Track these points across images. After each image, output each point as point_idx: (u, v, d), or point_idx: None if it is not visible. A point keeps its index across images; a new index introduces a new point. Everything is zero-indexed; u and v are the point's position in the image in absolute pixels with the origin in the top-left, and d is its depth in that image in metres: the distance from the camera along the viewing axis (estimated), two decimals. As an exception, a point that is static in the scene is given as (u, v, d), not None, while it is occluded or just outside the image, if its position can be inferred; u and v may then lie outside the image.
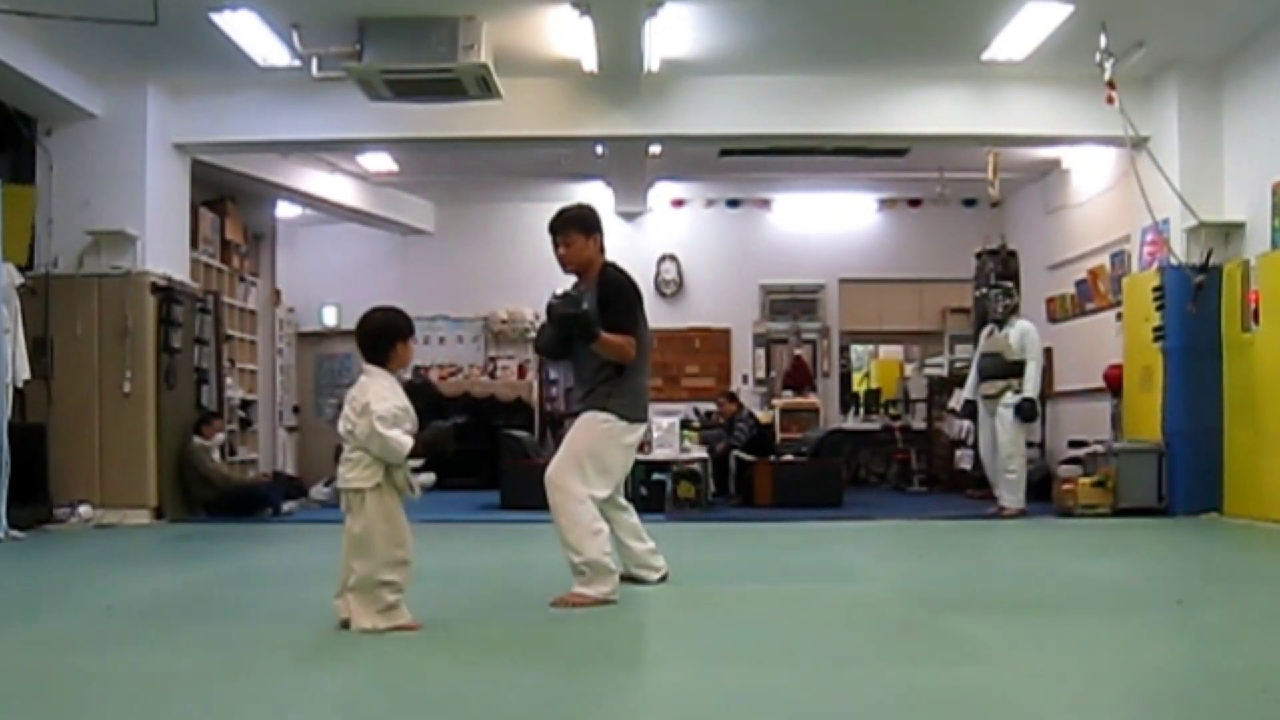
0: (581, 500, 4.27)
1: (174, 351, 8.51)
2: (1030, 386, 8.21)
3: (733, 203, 12.95)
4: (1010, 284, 8.98)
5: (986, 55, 7.94)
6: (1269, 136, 7.57)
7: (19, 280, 7.41)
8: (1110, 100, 7.46)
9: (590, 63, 7.90)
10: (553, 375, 12.88)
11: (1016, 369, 8.26)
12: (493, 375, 12.63)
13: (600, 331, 4.30)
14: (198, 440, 8.70)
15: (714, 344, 12.88)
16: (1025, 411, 8.26)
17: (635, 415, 4.43)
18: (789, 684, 3.10)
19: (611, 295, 4.45)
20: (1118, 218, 9.41)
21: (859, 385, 13.94)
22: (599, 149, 10.12)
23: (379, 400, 3.69)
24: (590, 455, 4.34)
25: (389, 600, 3.67)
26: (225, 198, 10.67)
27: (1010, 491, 8.23)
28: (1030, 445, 8.82)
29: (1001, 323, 8.46)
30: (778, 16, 7.47)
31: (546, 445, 11.38)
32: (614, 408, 4.37)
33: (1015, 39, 7.65)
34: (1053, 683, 3.11)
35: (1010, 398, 8.23)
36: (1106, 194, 9.99)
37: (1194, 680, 3.20)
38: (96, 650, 3.68)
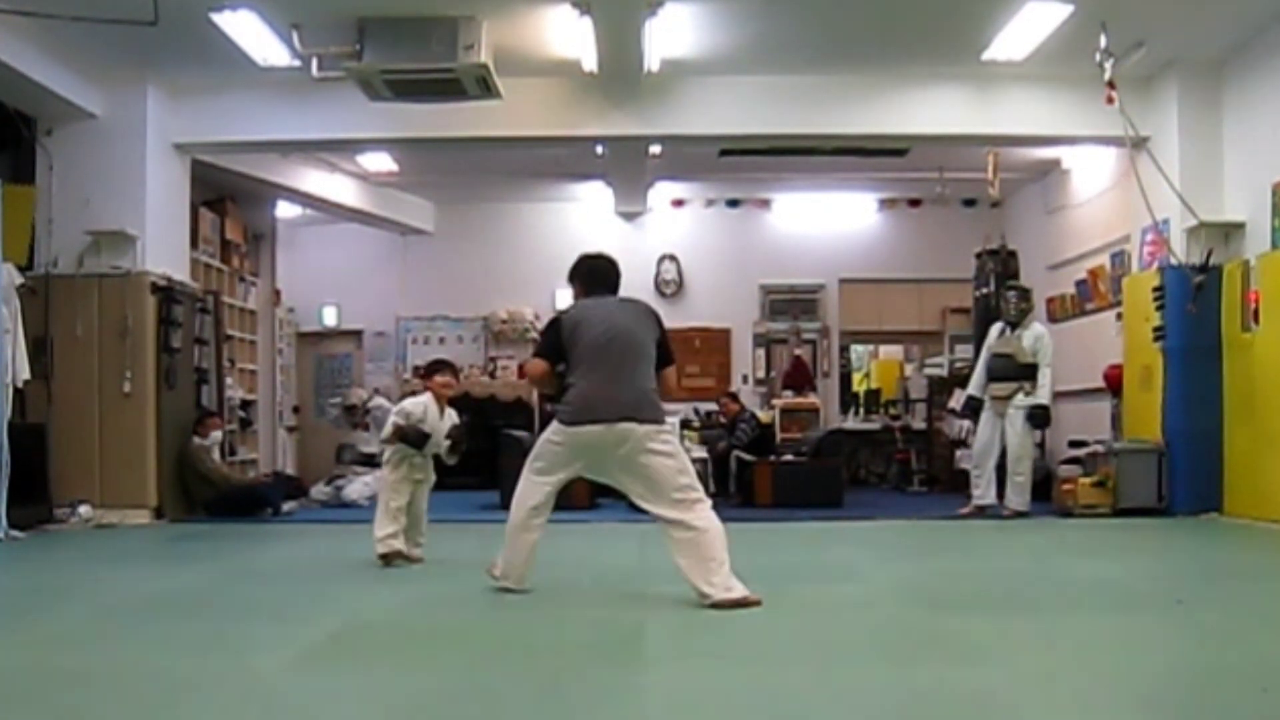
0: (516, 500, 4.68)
1: (174, 351, 8.51)
2: (1044, 393, 8.20)
3: (733, 203, 12.95)
4: (1027, 286, 8.97)
5: (986, 55, 7.94)
6: (1269, 136, 7.58)
7: (19, 280, 7.41)
8: (1110, 100, 7.46)
9: (590, 63, 7.90)
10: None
11: (1028, 372, 8.24)
12: (493, 375, 12.63)
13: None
14: (197, 440, 8.69)
15: (714, 344, 12.87)
16: (1039, 419, 8.27)
17: (567, 419, 4.53)
18: (789, 684, 3.10)
19: None
20: (1118, 218, 9.41)
21: (859, 385, 13.95)
22: (599, 149, 10.12)
23: (407, 403, 5.83)
24: (532, 456, 4.72)
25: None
26: (225, 198, 10.67)
27: (1017, 493, 8.22)
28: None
29: (1015, 324, 8.44)
30: (778, 16, 7.47)
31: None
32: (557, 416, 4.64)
33: (1015, 39, 7.65)
34: (1053, 683, 3.11)
35: (1021, 399, 8.22)
36: (1106, 194, 9.99)
37: (1194, 680, 3.20)
38: (96, 650, 3.68)
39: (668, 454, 4.44)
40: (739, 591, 4.28)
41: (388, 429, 5.70)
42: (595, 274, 4.86)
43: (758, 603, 4.25)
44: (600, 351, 4.52)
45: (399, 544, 5.60)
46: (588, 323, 4.60)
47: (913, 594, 4.77)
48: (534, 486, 4.61)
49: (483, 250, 12.70)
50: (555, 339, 4.65)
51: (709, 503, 4.49)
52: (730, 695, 3.00)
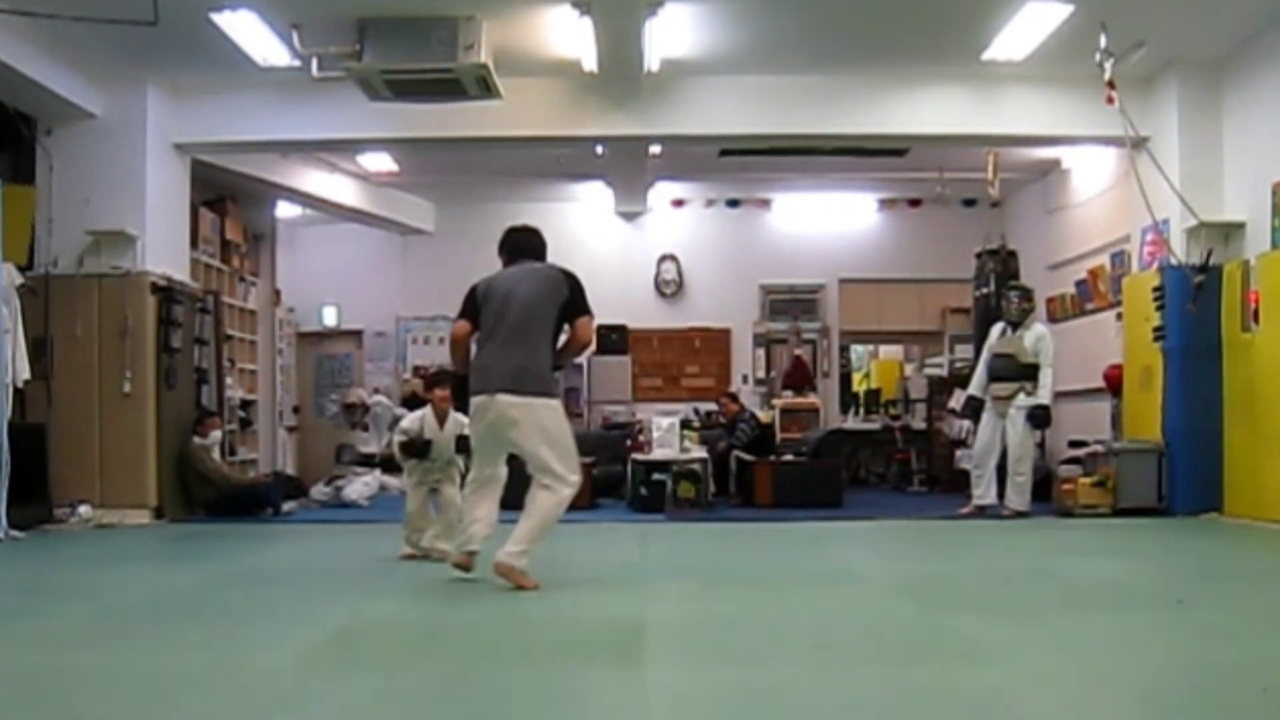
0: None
1: (174, 351, 8.50)
2: (1045, 393, 8.19)
3: (733, 203, 12.95)
4: (1029, 286, 8.98)
5: (986, 55, 7.94)
6: (1269, 136, 7.57)
7: (19, 280, 7.40)
8: (1110, 100, 7.46)
9: (590, 63, 7.90)
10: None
11: (1029, 372, 8.23)
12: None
13: None
14: (197, 440, 8.69)
15: (714, 344, 12.88)
16: (1039, 419, 8.27)
17: (470, 390, 4.70)
18: (789, 684, 3.10)
19: None
20: (1118, 218, 9.41)
21: (859, 385, 13.94)
22: (599, 149, 10.11)
23: (404, 422, 6.03)
24: None
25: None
26: (225, 198, 10.66)
27: (1017, 494, 8.22)
28: (1031, 446, 8.82)
29: (1016, 324, 8.44)
30: (778, 16, 7.47)
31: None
32: None
33: (1015, 39, 7.65)
34: (1053, 683, 3.11)
35: (1022, 399, 8.21)
36: (1106, 194, 9.99)
37: (1194, 680, 3.20)
38: (96, 650, 3.68)
39: (546, 428, 4.60)
40: (514, 565, 4.53)
41: (395, 450, 5.97)
42: (517, 245, 5.04)
43: (531, 586, 4.53)
44: (494, 322, 4.70)
45: (409, 546, 5.81)
46: (491, 292, 4.78)
47: (913, 594, 4.77)
48: (472, 472, 4.90)
49: (483, 250, 12.49)
50: (471, 304, 4.84)
51: (569, 487, 4.61)
52: (730, 695, 3.00)
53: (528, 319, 4.67)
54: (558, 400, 4.72)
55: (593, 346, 5.18)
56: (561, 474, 4.59)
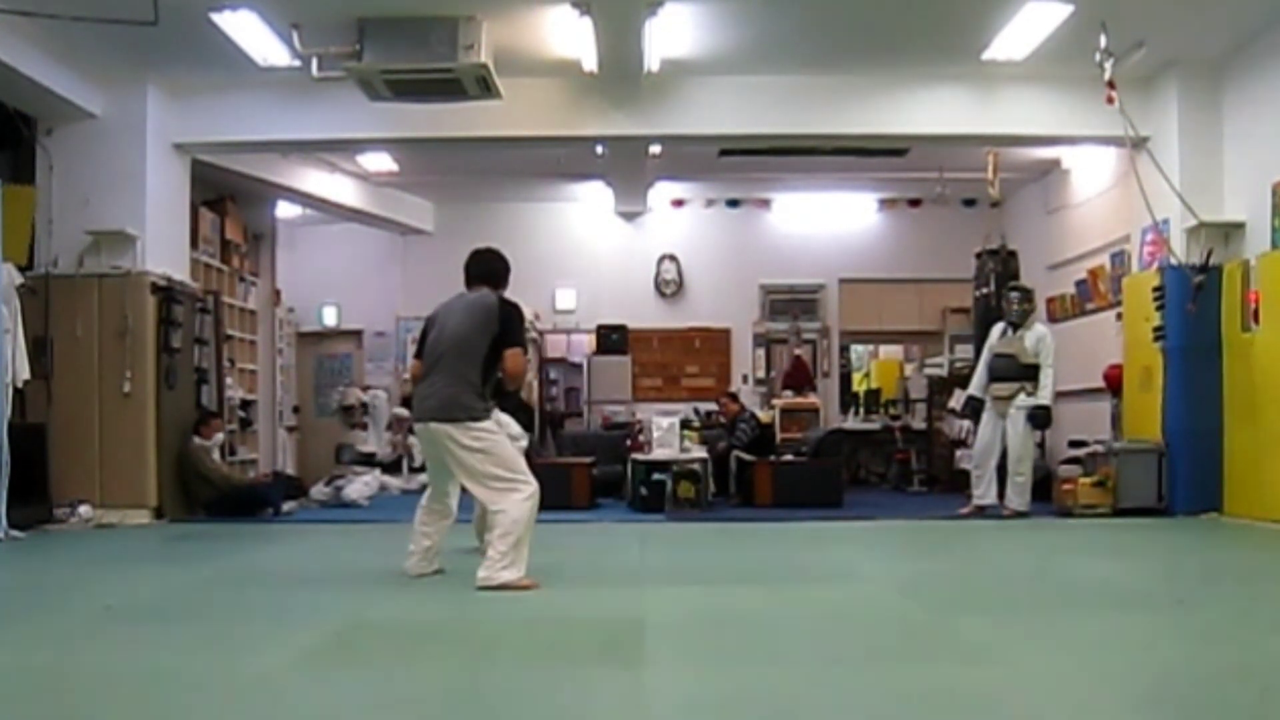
0: None
1: (174, 351, 8.50)
2: (1046, 394, 8.20)
3: (733, 203, 12.95)
4: (1030, 287, 8.98)
5: (986, 55, 7.95)
6: (1269, 136, 7.58)
7: (19, 280, 7.40)
8: (1110, 100, 7.46)
9: (590, 63, 7.90)
10: (553, 375, 12.89)
11: (1030, 372, 8.24)
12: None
13: None
14: (197, 440, 8.69)
15: (714, 344, 12.88)
16: (1040, 419, 8.27)
17: (413, 418, 5.10)
18: (789, 684, 3.10)
19: None
20: (1118, 218, 9.41)
21: (859, 385, 13.95)
22: (599, 149, 10.12)
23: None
24: None
25: None
26: (225, 198, 10.66)
27: (1018, 494, 8.22)
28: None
29: (1017, 325, 8.44)
30: (778, 16, 7.47)
31: (547, 445, 11.39)
32: None
33: (1015, 39, 7.65)
34: (1053, 683, 3.11)
35: (1023, 400, 8.21)
36: (1106, 194, 9.99)
37: (1194, 680, 3.19)
38: (96, 650, 3.68)
39: (476, 449, 4.74)
40: (501, 579, 4.58)
41: None
42: (474, 269, 5.16)
43: (528, 587, 4.59)
44: (430, 353, 4.96)
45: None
46: (433, 324, 5.05)
47: (913, 594, 4.77)
48: (427, 492, 5.13)
49: (482, 250, 12.65)
50: (423, 339, 5.09)
51: (527, 491, 4.72)
52: (730, 695, 3.00)
53: (457, 350, 4.86)
54: (487, 421, 4.81)
55: (528, 375, 5.45)
56: (509, 478, 4.73)
